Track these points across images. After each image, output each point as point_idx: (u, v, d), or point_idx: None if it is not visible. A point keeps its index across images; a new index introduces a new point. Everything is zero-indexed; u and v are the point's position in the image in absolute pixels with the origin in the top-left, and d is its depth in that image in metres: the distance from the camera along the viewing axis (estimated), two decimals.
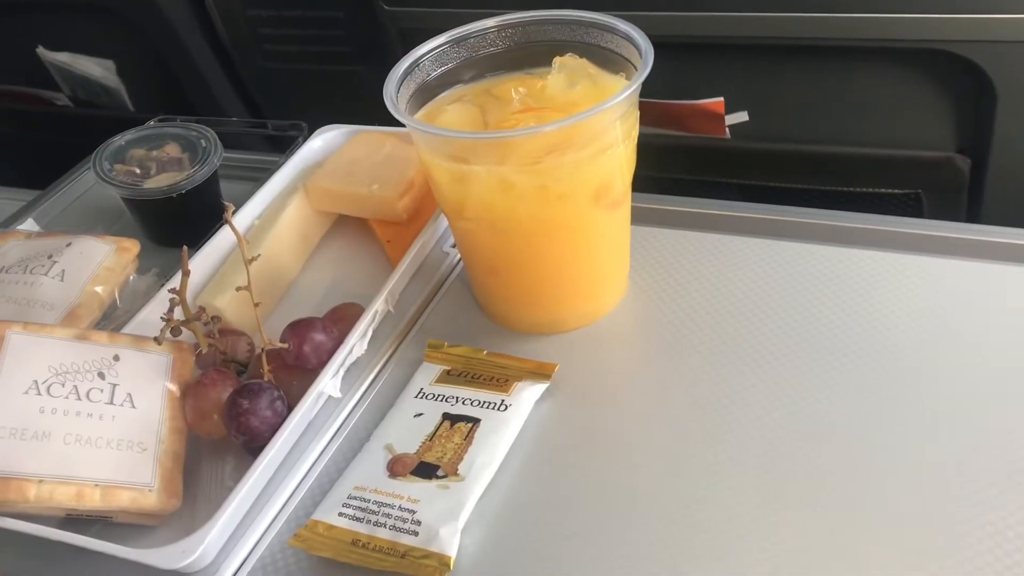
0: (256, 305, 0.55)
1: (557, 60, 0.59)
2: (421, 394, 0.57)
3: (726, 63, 0.93)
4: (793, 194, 0.97)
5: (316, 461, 0.55)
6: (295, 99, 1.19)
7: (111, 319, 0.65)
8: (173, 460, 0.53)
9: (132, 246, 0.68)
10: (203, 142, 0.75)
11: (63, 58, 1.23)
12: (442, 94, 0.61)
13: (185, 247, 0.59)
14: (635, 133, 0.56)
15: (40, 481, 0.49)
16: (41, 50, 1.24)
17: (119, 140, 0.77)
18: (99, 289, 0.64)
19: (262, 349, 0.55)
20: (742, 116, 0.96)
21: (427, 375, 0.58)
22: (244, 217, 0.70)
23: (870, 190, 0.94)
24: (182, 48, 1.13)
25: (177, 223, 0.74)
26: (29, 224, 0.75)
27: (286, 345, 0.55)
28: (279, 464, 0.54)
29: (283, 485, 0.54)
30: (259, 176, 0.80)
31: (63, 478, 0.50)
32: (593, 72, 0.59)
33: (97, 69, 1.23)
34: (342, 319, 0.60)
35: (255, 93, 1.22)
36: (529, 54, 0.60)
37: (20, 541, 0.51)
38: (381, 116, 0.55)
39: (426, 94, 0.60)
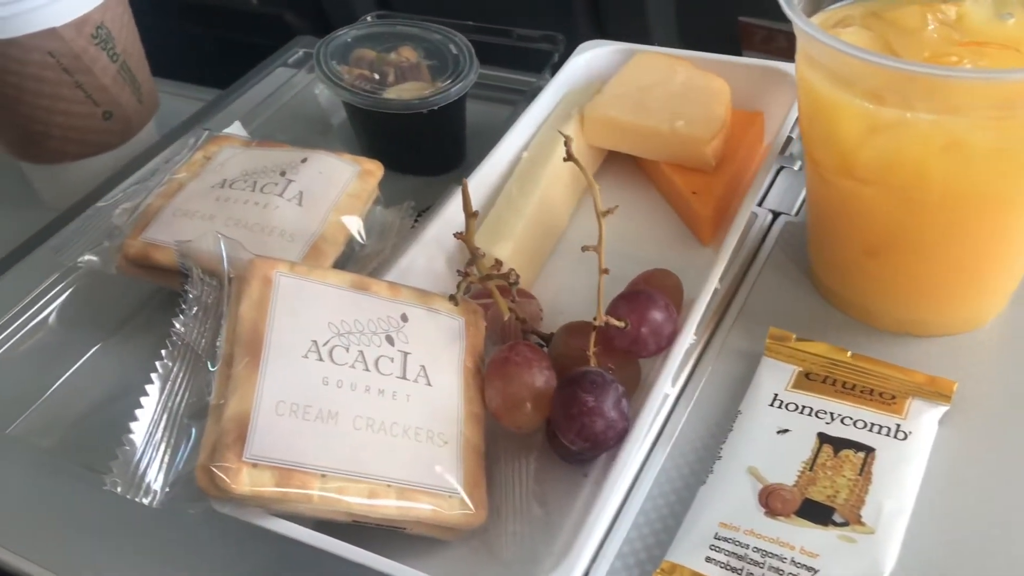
0: (604, 272, 0.42)
1: None
2: (778, 402, 0.44)
3: None
4: None
5: (639, 475, 0.43)
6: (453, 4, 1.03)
7: (354, 259, 0.52)
8: (476, 458, 0.41)
9: (376, 169, 0.55)
10: (452, 48, 0.61)
11: None
12: (822, 11, 0.47)
13: (465, 180, 0.47)
14: None
15: (323, 475, 0.38)
16: None
17: (343, 35, 0.63)
18: (346, 220, 0.52)
19: (595, 326, 0.42)
20: None
21: (777, 376, 0.45)
22: (509, 148, 0.57)
23: None
24: None
25: (416, 145, 0.61)
26: (236, 128, 0.62)
27: (623, 324, 0.43)
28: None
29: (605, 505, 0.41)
30: (504, 97, 0.66)
31: (353, 474, 0.38)
32: None
33: None
34: (660, 292, 0.47)
35: None
36: None
37: (268, 546, 0.39)
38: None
39: (805, 8, 0.46)
